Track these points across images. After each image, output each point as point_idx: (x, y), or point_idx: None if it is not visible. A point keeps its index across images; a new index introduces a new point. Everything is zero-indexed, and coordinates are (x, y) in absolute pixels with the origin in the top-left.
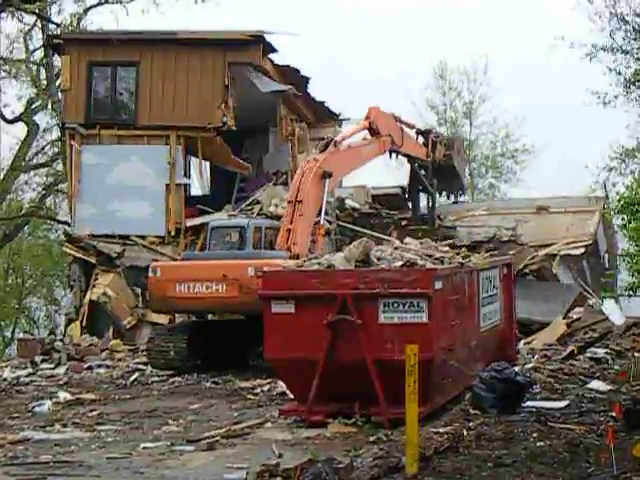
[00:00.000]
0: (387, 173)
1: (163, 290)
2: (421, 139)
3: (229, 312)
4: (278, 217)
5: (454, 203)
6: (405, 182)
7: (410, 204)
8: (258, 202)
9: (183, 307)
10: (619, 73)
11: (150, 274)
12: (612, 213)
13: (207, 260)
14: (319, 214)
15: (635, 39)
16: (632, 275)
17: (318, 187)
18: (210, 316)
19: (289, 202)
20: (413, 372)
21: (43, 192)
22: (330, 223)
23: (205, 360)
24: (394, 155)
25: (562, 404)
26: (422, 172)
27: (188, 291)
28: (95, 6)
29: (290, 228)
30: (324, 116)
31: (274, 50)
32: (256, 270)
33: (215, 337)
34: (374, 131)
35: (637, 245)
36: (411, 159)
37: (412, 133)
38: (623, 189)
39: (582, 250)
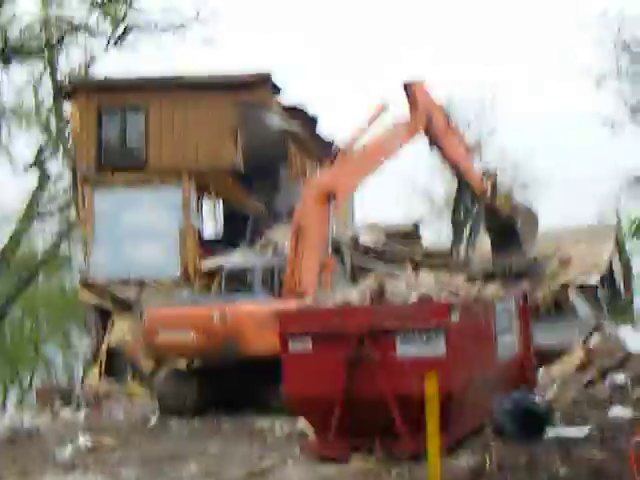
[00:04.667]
0: (398, 208)
1: (150, 336)
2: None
3: (199, 359)
4: None
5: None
6: (417, 216)
7: (452, 232)
8: (272, 241)
9: (163, 353)
10: (625, 102)
11: (142, 321)
12: (625, 238)
13: (185, 306)
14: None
15: None
16: None
17: (322, 213)
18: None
19: (291, 235)
20: (434, 404)
21: (57, 239)
22: (344, 261)
23: (219, 403)
24: (433, 149)
25: (584, 431)
26: (475, 208)
27: (166, 338)
28: (103, 51)
29: (294, 264)
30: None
31: (280, 90)
32: (220, 316)
33: (229, 379)
34: (409, 99)
35: None
36: (458, 174)
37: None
38: (636, 213)
39: (597, 279)
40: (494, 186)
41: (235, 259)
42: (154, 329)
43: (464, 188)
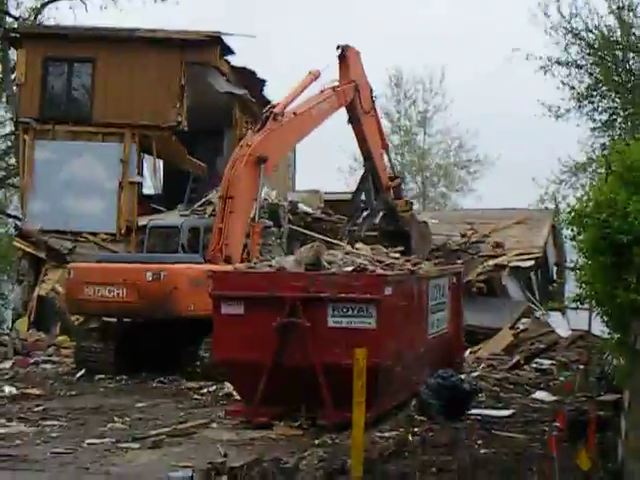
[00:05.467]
0: (340, 177)
1: (74, 292)
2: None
3: (129, 316)
4: None
5: None
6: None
7: (353, 208)
8: (211, 203)
9: (91, 310)
10: (572, 87)
11: (66, 275)
12: (562, 225)
13: (113, 263)
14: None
15: (589, 54)
16: (580, 287)
17: (252, 177)
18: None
19: (220, 198)
20: (361, 376)
21: None
22: (281, 226)
23: (136, 363)
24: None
25: (507, 413)
26: (375, 200)
27: (94, 294)
28: (53, 1)
29: (221, 227)
30: None
31: (231, 52)
32: (153, 274)
33: (150, 339)
34: (341, 63)
35: (586, 257)
36: (367, 160)
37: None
38: (574, 201)
39: (531, 263)
40: (397, 187)
41: (170, 218)
42: (80, 283)
43: (369, 176)
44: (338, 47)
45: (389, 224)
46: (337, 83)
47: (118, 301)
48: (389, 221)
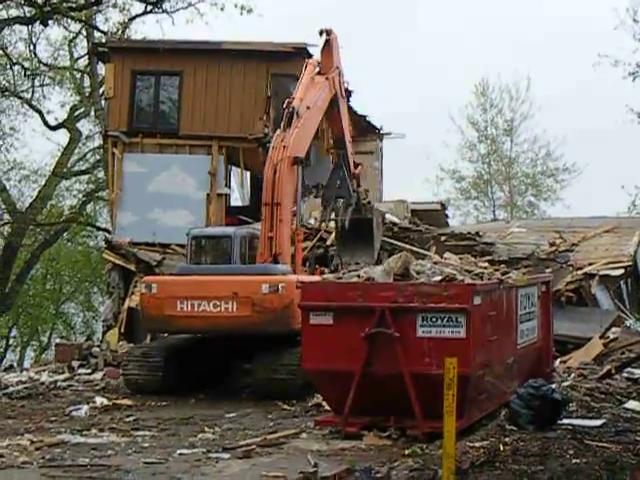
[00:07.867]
0: (426, 188)
1: (160, 308)
2: None
3: (239, 332)
4: (318, 230)
5: None
6: (444, 197)
7: (322, 206)
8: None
9: (185, 327)
10: None
11: (144, 290)
12: None
13: (210, 275)
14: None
15: None
16: None
17: (292, 181)
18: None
19: (265, 205)
20: (452, 385)
21: (84, 199)
22: None
23: (186, 384)
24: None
25: (598, 422)
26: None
27: (192, 309)
28: (140, 15)
29: (271, 236)
30: (366, 130)
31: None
32: (270, 287)
33: (203, 357)
34: (325, 47)
35: None
36: (339, 146)
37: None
38: None
39: (621, 271)
40: (359, 175)
41: (213, 227)
42: (169, 298)
43: (342, 164)
44: (321, 32)
45: (354, 212)
46: (318, 69)
47: (226, 316)
48: (354, 208)
